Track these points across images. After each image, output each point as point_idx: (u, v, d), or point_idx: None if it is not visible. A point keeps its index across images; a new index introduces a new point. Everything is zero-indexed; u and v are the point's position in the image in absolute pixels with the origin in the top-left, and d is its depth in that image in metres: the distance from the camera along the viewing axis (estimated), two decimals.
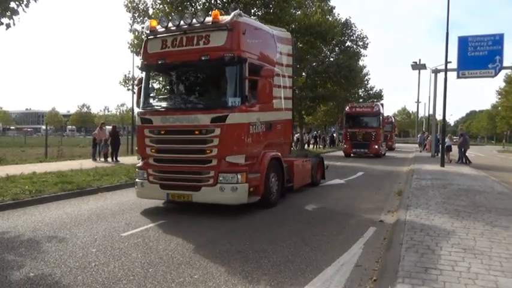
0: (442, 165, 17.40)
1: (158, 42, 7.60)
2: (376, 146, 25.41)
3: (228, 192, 6.91)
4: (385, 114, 38.94)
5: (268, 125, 8.08)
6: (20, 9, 7.21)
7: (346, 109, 27.12)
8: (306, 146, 36.62)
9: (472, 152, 34.56)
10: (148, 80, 8.02)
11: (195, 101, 7.82)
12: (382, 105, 28.26)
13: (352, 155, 25.97)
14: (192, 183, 7.19)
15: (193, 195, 7.13)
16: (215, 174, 6.99)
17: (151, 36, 7.70)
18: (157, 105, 7.99)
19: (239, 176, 6.95)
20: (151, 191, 7.60)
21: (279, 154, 8.47)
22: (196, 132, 7.13)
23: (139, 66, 8.27)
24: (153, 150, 7.56)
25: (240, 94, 7.06)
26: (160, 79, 9.26)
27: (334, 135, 43.18)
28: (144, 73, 8.03)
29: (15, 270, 4.35)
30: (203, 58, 7.08)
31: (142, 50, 8.07)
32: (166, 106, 7.84)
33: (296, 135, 37.79)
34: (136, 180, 7.86)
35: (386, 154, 29.67)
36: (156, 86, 8.93)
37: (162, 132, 7.44)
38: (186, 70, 7.96)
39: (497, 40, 20.54)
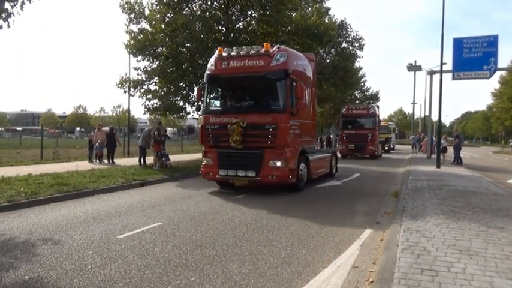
0: (438, 166, 17.48)
1: None
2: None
3: None
4: (371, 105, 33.44)
5: None
6: (15, 11, 7.18)
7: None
8: None
9: (467, 153, 34.79)
10: None
11: None
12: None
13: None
14: None
15: None
16: None
17: None
18: None
19: None
20: None
21: None
22: None
23: None
24: None
25: None
26: None
27: (331, 136, 43.14)
28: None
29: (11, 273, 4.31)
30: None
31: None
32: None
33: None
34: None
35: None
36: None
37: None
38: None
39: (492, 42, 20.70)
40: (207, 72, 10.77)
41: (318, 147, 36.19)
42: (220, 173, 10.23)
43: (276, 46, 10.34)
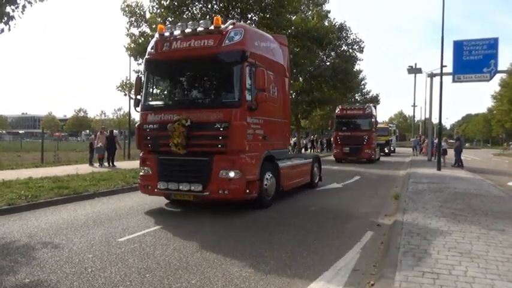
0: (439, 168, 17.46)
1: None
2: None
3: None
4: (367, 105, 27.73)
5: None
6: (16, 14, 7.23)
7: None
8: (303, 150, 36.69)
9: (467, 156, 34.73)
10: None
11: None
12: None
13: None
14: None
15: None
16: None
17: None
18: None
19: None
20: None
21: None
22: None
23: None
24: None
25: None
26: None
27: (332, 139, 43.05)
28: None
29: (11, 276, 4.31)
30: None
31: None
32: None
33: (293, 139, 37.93)
34: None
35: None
36: None
37: None
38: None
39: (492, 44, 20.74)
40: (146, 57, 8.72)
41: (319, 150, 34.39)
42: (159, 186, 7.94)
43: (229, 22, 8.28)
